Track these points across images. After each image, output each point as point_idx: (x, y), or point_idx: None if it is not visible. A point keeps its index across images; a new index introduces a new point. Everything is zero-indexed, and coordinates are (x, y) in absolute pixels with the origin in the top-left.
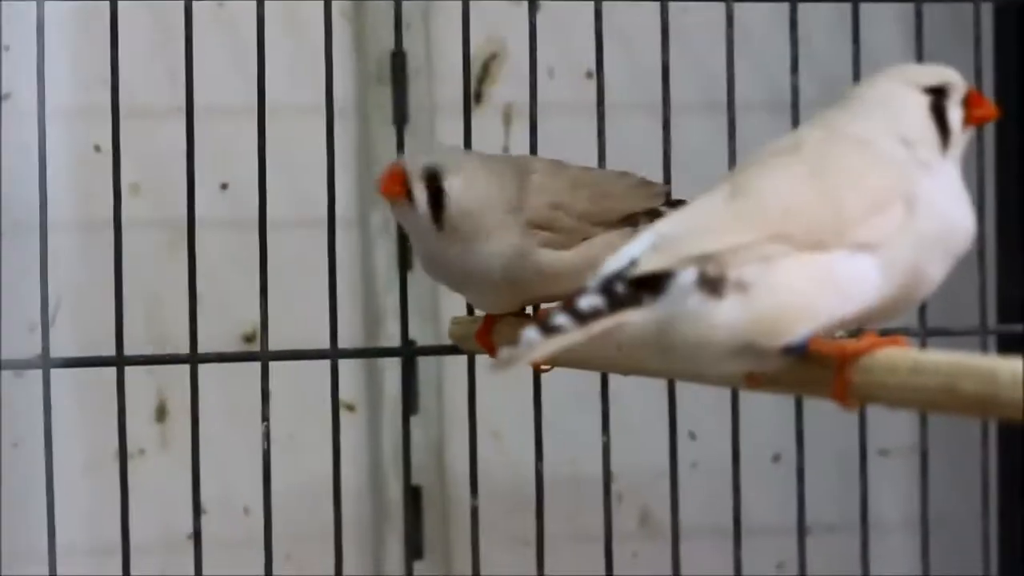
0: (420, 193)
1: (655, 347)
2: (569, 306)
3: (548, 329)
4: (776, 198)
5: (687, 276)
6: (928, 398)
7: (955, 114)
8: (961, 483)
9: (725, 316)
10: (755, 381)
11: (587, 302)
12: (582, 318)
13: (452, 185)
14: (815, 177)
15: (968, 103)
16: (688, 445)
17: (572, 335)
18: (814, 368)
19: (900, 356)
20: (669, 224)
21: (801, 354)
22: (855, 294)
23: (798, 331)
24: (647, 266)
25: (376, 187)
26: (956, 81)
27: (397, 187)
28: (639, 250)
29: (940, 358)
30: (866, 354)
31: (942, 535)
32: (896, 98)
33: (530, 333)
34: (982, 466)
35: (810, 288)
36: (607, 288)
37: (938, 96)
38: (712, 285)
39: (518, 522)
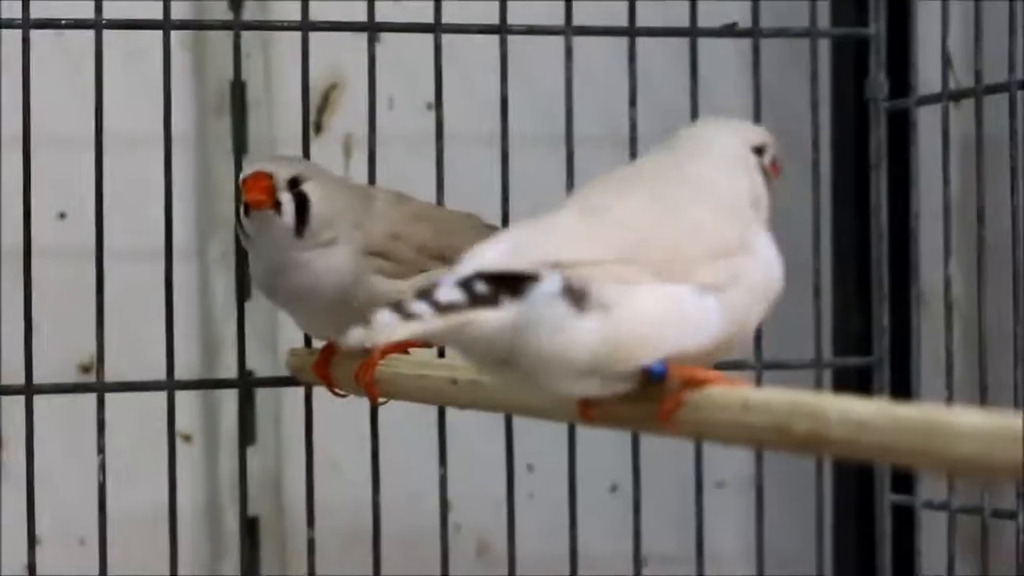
0: (287, 201)
1: (503, 353)
2: (426, 296)
3: (405, 314)
4: (632, 224)
5: (552, 283)
6: (759, 436)
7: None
8: (797, 515)
9: (586, 333)
10: (588, 415)
11: (445, 294)
12: (440, 308)
13: (315, 192)
14: (670, 213)
15: (772, 163)
16: (526, 476)
17: (428, 324)
18: (648, 404)
19: (731, 394)
20: (524, 231)
21: (660, 378)
22: (700, 331)
23: (649, 358)
24: (511, 265)
25: (241, 194)
26: (770, 141)
27: (265, 195)
28: (496, 252)
29: (771, 396)
30: (713, 384)
31: (778, 567)
32: (739, 156)
33: (385, 316)
34: (817, 498)
35: (666, 318)
36: (466, 284)
37: (759, 155)
38: (576, 297)
39: (356, 553)
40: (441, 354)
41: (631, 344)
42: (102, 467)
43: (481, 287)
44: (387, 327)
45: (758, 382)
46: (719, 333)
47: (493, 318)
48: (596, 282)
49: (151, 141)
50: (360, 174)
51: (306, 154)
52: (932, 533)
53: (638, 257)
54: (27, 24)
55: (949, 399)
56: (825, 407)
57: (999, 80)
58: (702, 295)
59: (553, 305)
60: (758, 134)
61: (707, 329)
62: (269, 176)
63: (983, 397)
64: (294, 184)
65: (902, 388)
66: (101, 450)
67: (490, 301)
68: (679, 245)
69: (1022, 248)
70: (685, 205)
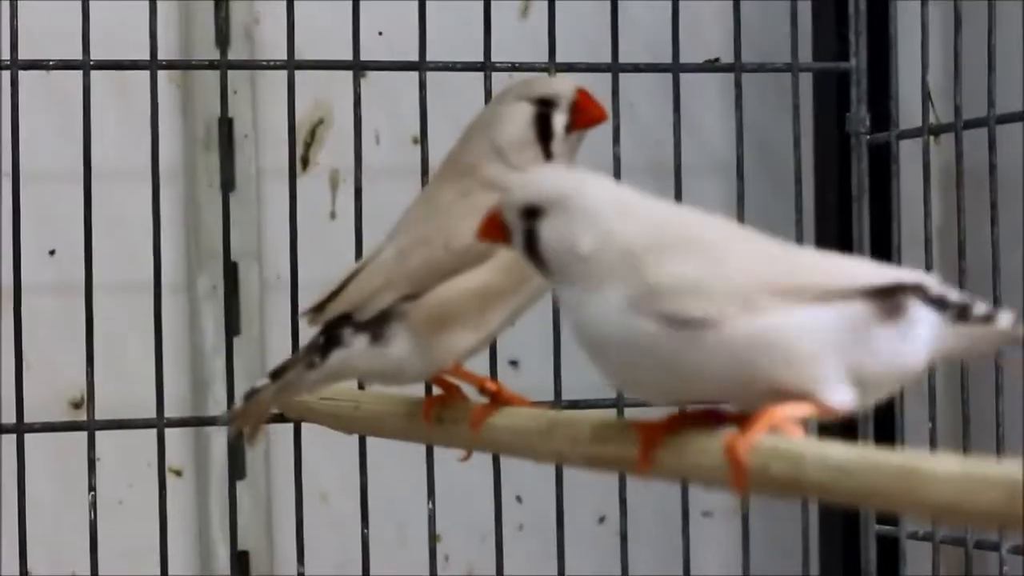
0: None
1: None
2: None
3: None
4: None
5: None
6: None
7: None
8: (783, 545)
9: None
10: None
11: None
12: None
13: None
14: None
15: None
16: (514, 508)
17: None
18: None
19: (712, 439)
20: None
21: None
22: None
23: None
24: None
25: None
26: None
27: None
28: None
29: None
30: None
31: None
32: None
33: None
34: (803, 529)
35: None
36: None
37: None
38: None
39: None
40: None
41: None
42: (93, 505)
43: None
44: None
45: None
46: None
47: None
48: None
49: (139, 177)
50: (346, 208)
51: (292, 189)
52: (917, 563)
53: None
54: (16, 65)
55: (932, 429)
56: (803, 451)
57: (979, 114)
58: None
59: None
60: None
61: None
62: None
63: (965, 426)
64: None
65: (885, 418)
66: (92, 488)
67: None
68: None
69: (1008, 278)
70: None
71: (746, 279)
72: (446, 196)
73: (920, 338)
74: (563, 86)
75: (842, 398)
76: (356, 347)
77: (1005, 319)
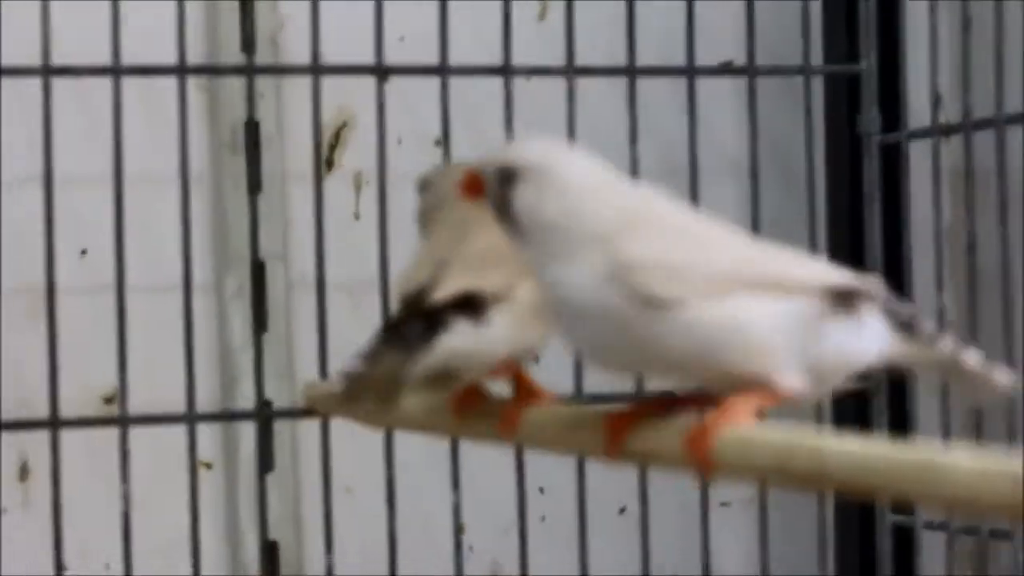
0: None
1: None
2: None
3: None
4: None
5: None
6: (761, 473)
7: None
8: (800, 535)
9: None
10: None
11: None
12: None
13: None
14: None
15: None
16: (537, 499)
17: None
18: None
19: (735, 432)
20: None
21: None
22: None
23: None
24: None
25: None
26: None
27: None
28: None
29: (772, 435)
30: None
31: None
32: None
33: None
34: (819, 519)
35: None
36: None
37: None
38: None
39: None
40: None
41: None
42: (125, 497)
43: None
44: None
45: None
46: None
47: None
48: None
49: (168, 180)
50: (370, 210)
51: (317, 191)
52: (932, 552)
53: None
54: (47, 71)
55: (946, 427)
56: (824, 447)
57: (988, 114)
58: None
59: None
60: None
61: None
62: None
63: (978, 422)
64: None
65: (900, 416)
66: (125, 480)
67: None
68: None
69: (1017, 277)
70: None
71: (715, 267)
72: None
73: (869, 338)
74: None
75: (794, 384)
76: (459, 328)
77: (947, 343)
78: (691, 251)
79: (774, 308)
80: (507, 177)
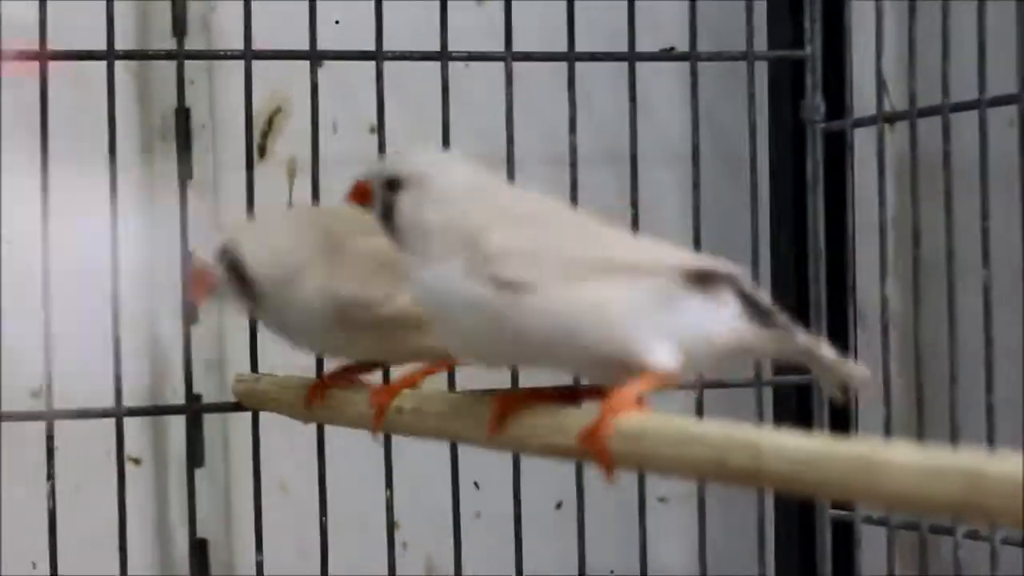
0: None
1: None
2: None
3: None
4: None
5: None
6: (697, 469)
7: None
8: (739, 530)
9: None
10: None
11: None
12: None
13: None
14: None
15: None
16: (472, 494)
17: None
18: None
19: (670, 426)
20: None
21: None
22: None
23: None
24: None
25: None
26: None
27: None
28: None
29: (708, 429)
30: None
31: (722, 575)
32: None
33: None
34: (758, 511)
35: None
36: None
37: None
38: None
39: (304, 572)
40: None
41: None
42: (51, 495)
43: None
44: None
45: (699, 402)
46: None
47: None
48: None
49: (96, 167)
50: (304, 197)
51: (249, 179)
52: (873, 547)
53: None
54: None
55: (887, 417)
56: (761, 441)
57: (934, 101)
58: None
59: None
60: None
61: None
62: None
63: (920, 415)
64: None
65: (840, 407)
66: (50, 477)
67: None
68: None
69: (962, 267)
70: None
71: (573, 252)
72: None
73: (727, 320)
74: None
75: (666, 361)
76: None
77: (801, 334)
78: (551, 239)
79: (630, 288)
80: (393, 185)
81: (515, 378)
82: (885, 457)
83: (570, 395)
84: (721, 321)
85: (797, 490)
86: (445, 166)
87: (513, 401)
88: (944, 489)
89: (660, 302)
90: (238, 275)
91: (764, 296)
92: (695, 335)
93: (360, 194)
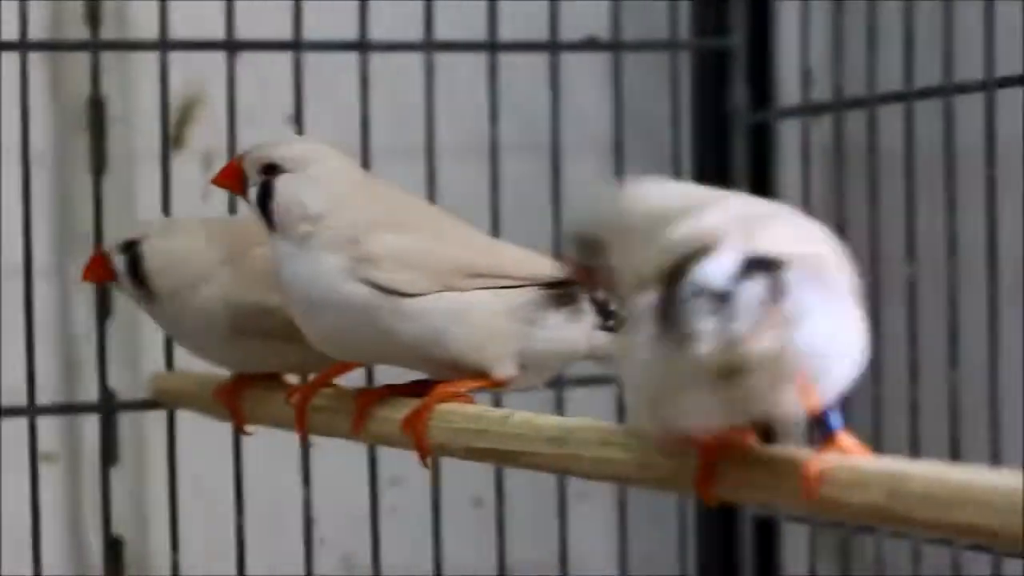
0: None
1: None
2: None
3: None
4: None
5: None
6: (622, 473)
7: None
8: (660, 525)
9: None
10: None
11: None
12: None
13: None
14: None
15: None
16: (390, 490)
17: None
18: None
19: (597, 430)
20: None
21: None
22: None
23: None
24: None
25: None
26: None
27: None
28: None
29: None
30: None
31: (643, 570)
32: None
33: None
34: (679, 508)
35: None
36: None
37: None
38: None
39: (220, 571)
40: None
41: None
42: None
43: None
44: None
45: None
46: None
47: None
48: None
49: (8, 159)
50: (219, 190)
51: (165, 170)
52: (795, 546)
53: None
54: None
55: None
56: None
57: (860, 93)
58: None
59: None
60: None
61: None
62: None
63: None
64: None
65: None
66: None
67: None
68: None
69: (887, 258)
70: None
71: (447, 259)
72: None
73: (582, 328)
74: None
75: (508, 372)
76: None
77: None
78: (431, 245)
79: (497, 298)
80: (271, 168)
81: (370, 374)
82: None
83: (422, 388)
84: (575, 334)
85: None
86: (324, 154)
87: (370, 396)
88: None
89: (525, 316)
90: (137, 272)
91: (618, 305)
92: (549, 350)
93: (230, 175)
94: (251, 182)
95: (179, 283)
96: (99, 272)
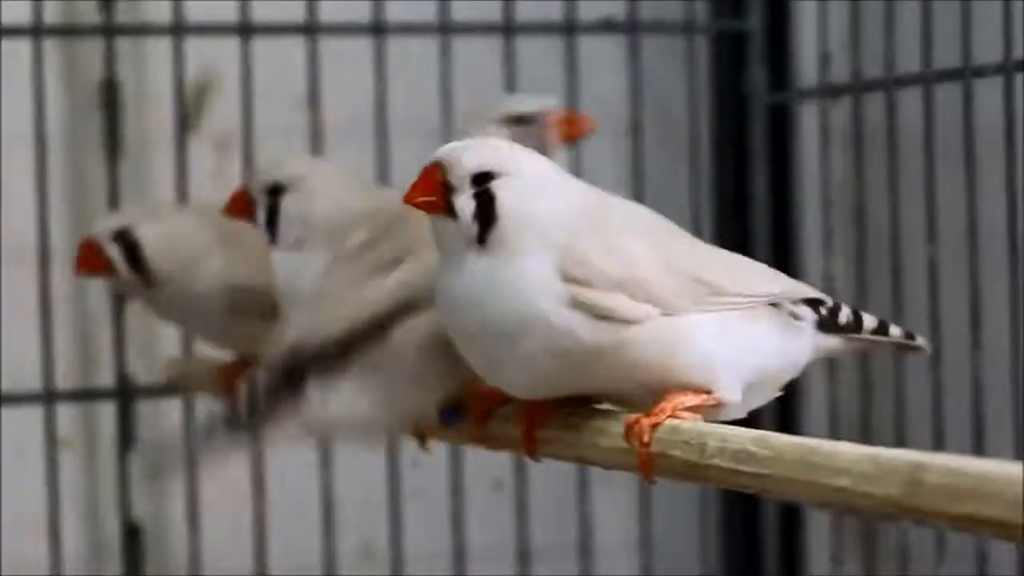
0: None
1: None
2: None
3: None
4: None
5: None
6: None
7: None
8: (682, 509)
9: None
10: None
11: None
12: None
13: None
14: None
15: None
16: (410, 473)
17: None
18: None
19: (614, 421)
20: None
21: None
22: None
23: None
24: None
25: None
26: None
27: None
28: None
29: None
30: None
31: (665, 561)
32: None
33: None
34: (701, 494)
35: None
36: None
37: None
38: None
39: (239, 556)
40: None
41: None
42: None
43: None
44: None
45: None
46: None
47: None
48: None
49: (22, 142)
50: (234, 171)
51: (179, 153)
52: (818, 532)
53: None
54: None
55: (832, 395)
56: (705, 436)
57: (878, 74)
58: None
59: None
60: None
61: None
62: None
63: (864, 391)
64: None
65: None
66: None
67: None
68: None
69: (907, 240)
70: None
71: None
72: None
73: (807, 340)
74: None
75: (735, 395)
76: None
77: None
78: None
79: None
80: (275, 190)
81: None
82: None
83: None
84: (802, 344)
85: (739, 486)
86: (322, 170)
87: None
88: (886, 487)
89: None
90: (134, 259)
91: (844, 309)
92: (776, 365)
93: (239, 204)
94: (259, 204)
95: (178, 265)
96: (92, 263)
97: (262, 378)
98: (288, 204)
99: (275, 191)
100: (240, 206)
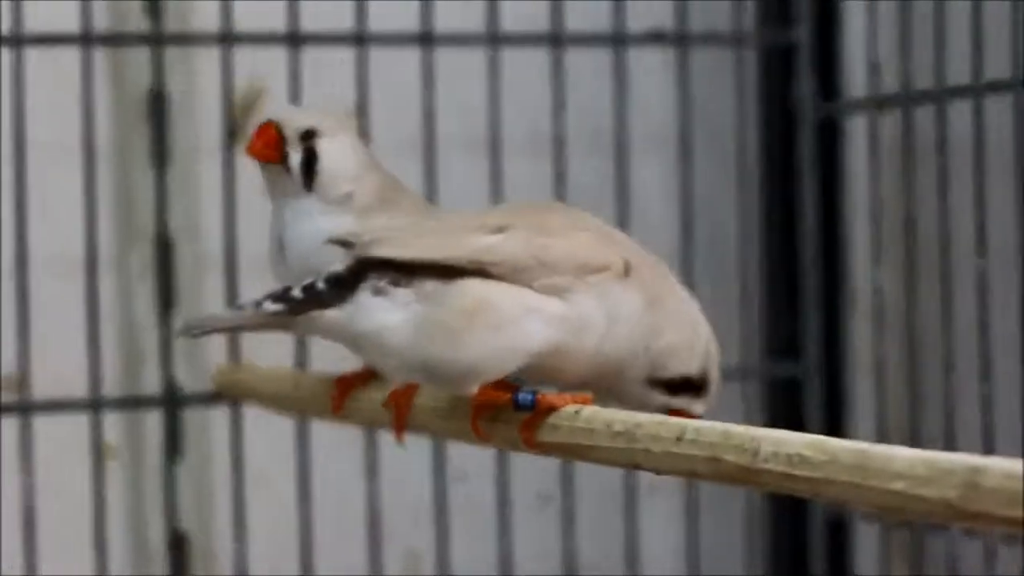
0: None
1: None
2: (279, 293)
3: (256, 304)
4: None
5: (371, 282)
6: (691, 467)
7: None
8: (729, 521)
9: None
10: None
11: (295, 292)
12: (284, 301)
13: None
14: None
15: None
16: (456, 486)
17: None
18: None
19: (667, 424)
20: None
21: (529, 408)
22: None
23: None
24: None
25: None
26: None
27: (270, 149)
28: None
29: (703, 427)
30: (560, 407)
31: (711, 567)
32: None
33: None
34: (748, 507)
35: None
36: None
37: None
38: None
39: (285, 566)
40: None
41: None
42: (28, 489)
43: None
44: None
45: None
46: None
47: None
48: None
49: (71, 152)
50: None
51: (228, 164)
52: (866, 545)
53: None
54: None
55: (881, 406)
56: (759, 440)
57: (928, 86)
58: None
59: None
60: None
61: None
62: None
63: (914, 404)
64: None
65: (833, 394)
66: (27, 472)
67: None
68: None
69: (957, 254)
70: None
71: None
72: None
73: None
74: None
75: None
76: None
77: None
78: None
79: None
80: (309, 134)
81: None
82: (882, 456)
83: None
84: None
85: (792, 490)
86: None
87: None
88: (938, 491)
89: None
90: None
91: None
92: None
93: (271, 144)
94: (291, 148)
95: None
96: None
97: (331, 273)
98: (328, 150)
99: (308, 136)
100: (272, 146)
